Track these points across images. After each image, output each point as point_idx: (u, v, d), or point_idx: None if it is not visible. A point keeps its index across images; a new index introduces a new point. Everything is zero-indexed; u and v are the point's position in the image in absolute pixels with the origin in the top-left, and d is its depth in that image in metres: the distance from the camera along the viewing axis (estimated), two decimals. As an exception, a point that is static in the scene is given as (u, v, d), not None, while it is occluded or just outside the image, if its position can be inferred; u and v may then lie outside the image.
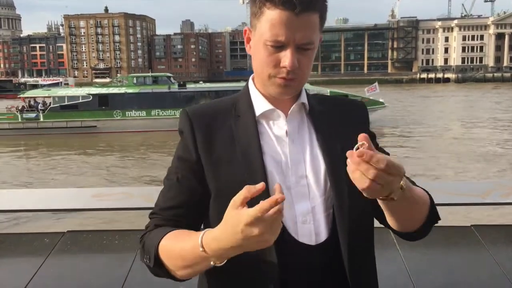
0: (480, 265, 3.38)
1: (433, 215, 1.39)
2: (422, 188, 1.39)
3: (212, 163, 1.37)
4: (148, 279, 3.22)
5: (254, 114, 1.41)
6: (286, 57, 1.29)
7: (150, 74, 42.40)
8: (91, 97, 35.44)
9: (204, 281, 1.46)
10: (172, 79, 40.05)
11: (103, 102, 35.43)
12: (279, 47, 1.30)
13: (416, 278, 3.12)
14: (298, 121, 1.43)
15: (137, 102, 35.42)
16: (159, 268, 1.34)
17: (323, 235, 1.35)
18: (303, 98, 1.44)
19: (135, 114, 35.35)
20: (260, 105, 1.42)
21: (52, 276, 3.29)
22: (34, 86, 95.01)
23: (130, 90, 35.92)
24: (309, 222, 1.34)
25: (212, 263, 1.21)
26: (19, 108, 36.20)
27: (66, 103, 35.45)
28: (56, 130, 34.21)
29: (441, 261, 3.42)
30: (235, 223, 1.11)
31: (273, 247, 1.26)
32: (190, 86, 39.43)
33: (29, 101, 36.75)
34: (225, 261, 1.21)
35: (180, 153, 1.44)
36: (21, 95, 38.88)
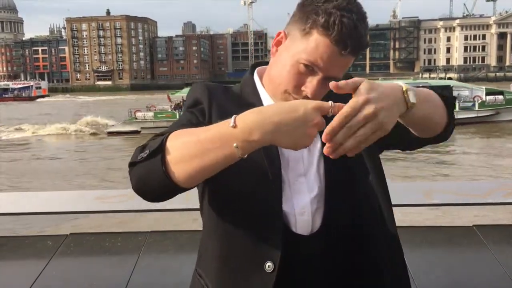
0: (482, 265, 3.38)
1: (449, 105, 1.42)
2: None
3: None
4: (151, 281, 3.24)
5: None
6: (311, 84, 1.30)
7: None
8: None
9: (205, 254, 1.47)
10: None
11: None
12: (310, 70, 1.30)
13: (418, 278, 3.12)
14: None
15: None
16: (154, 156, 1.20)
17: (317, 225, 1.38)
18: None
19: None
20: (268, 101, 1.42)
21: (55, 278, 3.30)
22: (5, 90, 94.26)
23: None
24: (307, 215, 1.36)
25: (235, 145, 1.12)
26: (173, 106, 37.42)
27: None
28: None
29: (443, 261, 3.42)
30: (299, 103, 1.12)
31: (280, 231, 1.31)
32: None
33: (182, 99, 37.84)
34: (246, 155, 1.15)
35: (193, 110, 1.41)
36: (169, 94, 40.49)
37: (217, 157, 1.15)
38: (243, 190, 1.36)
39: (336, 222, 1.37)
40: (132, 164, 1.25)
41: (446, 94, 1.43)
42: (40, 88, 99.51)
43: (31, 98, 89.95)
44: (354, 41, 1.25)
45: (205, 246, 1.48)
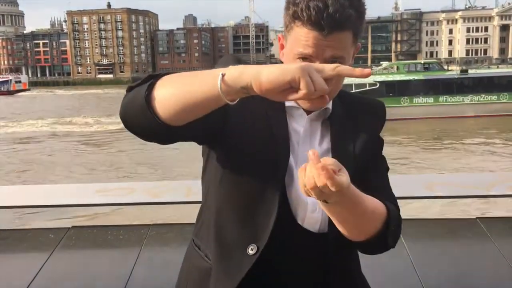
0: (486, 258, 3.37)
1: (386, 233, 1.34)
2: (386, 204, 1.36)
3: (240, 118, 1.33)
4: (153, 274, 3.24)
5: (284, 103, 1.39)
6: None
7: (422, 61, 42.99)
8: (378, 84, 35.59)
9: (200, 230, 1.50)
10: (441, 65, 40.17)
11: (391, 89, 35.63)
12: (308, 61, 1.28)
13: (422, 271, 3.12)
14: (316, 123, 1.43)
15: (424, 89, 35.62)
16: (146, 82, 1.19)
17: (325, 225, 1.38)
18: (329, 104, 1.42)
19: (422, 100, 35.41)
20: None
21: (57, 271, 3.30)
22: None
23: (417, 77, 36.01)
24: (318, 212, 1.36)
25: (221, 73, 1.08)
26: None
27: (353, 90, 35.02)
28: None
29: (447, 254, 3.42)
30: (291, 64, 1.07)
31: (272, 217, 1.31)
32: (472, 72, 38.51)
33: None
34: (232, 102, 1.11)
35: None
36: None
37: (200, 89, 1.12)
38: (245, 170, 1.36)
39: (331, 223, 1.35)
40: (128, 89, 1.24)
41: (392, 218, 1.35)
42: (20, 82, 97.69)
43: (10, 92, 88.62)
44: (328, 20, 1.23)
45: (205, 217, 1.49)
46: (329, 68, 1.07)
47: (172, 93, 1.14)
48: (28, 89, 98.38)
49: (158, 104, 1.15)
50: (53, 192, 3.90)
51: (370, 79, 36.44)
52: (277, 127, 1.36)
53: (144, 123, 1.18)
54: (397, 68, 39.11)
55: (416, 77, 35.92)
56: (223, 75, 1.08)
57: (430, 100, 35.12)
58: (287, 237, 1.36)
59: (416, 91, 35.59)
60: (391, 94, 35.28)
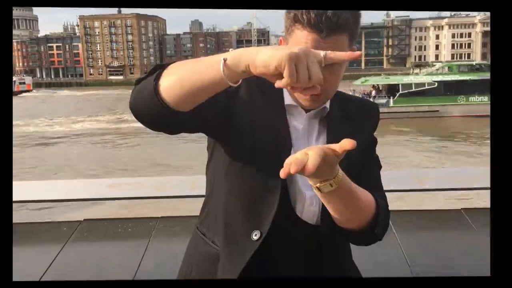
0: (469, 246, 3.36)
1: (377, 223, 1.34)
2: (376, 198, 1.36)
3: (243, 116, 1.34)
4: (161, 265, 3.22)
5: (283, 102, 1.40)
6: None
7: (474, 62, 43.26)
8: (436, 84, 36.06)
9: (203, 219, 1.53)
10: None
11: (448, 89, 36.10)
12: None
13: (412, 261, 3.11)
14: (314, 121, 1.42)
15: (479, 88, 35.67)
16: (154, 72, 1.19)
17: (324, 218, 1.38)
18: (327, 103, 1.43)
19: (478, 99, 35.65)
20: (288, 99, 1.41)
21: (69, 262, 3.29)
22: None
23: (472, 77, 36.43)
24: (315, 206, 1.38)
25: (223, 58, 1.06)
26: (366, 93, 37.37)
27: (413, 89, 36.14)
28: (403, 115, 34.90)
29: (436, 244, 3.41)
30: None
31: (274, 208, 1.33)
32: None
33: (375, 87, 37.98)
34: (237, 83, 1.09)
35: None
36: (363, 83, 39.95)
37: (204, 74, 1.11)
38: (249, 166, 1.37)
39: (330, 219, 1.35)
40: (137, 82, 1.24)
41: (382, 210, 1.36)
42: (24, 83, 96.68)
43: (14, 94, 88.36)
44: (326, 22, 1.23)
45: (211, 206, 1.50)
46: (319, 54, 1.04)
47: (178, 79, 1.14)
48: (32, 90, 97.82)
49: (166, 90, 1.15)
50: (67, 187, 3.89)
51: (429, 79, 37.27)
52: (278, 124, 1.37)
53: (153, 110, 1.17)
54: (448, 69, 39.62)
55: (472, 77, 36.37)
56: (225, 60, 1.07)
57: (485, 98, 35.20)
58: (288, 227, 1.38)
59: (471, 90, 35.93)
60: (448, 93, 35.96)
